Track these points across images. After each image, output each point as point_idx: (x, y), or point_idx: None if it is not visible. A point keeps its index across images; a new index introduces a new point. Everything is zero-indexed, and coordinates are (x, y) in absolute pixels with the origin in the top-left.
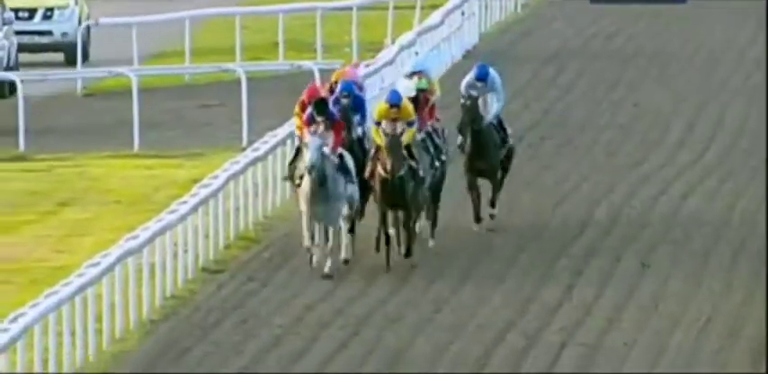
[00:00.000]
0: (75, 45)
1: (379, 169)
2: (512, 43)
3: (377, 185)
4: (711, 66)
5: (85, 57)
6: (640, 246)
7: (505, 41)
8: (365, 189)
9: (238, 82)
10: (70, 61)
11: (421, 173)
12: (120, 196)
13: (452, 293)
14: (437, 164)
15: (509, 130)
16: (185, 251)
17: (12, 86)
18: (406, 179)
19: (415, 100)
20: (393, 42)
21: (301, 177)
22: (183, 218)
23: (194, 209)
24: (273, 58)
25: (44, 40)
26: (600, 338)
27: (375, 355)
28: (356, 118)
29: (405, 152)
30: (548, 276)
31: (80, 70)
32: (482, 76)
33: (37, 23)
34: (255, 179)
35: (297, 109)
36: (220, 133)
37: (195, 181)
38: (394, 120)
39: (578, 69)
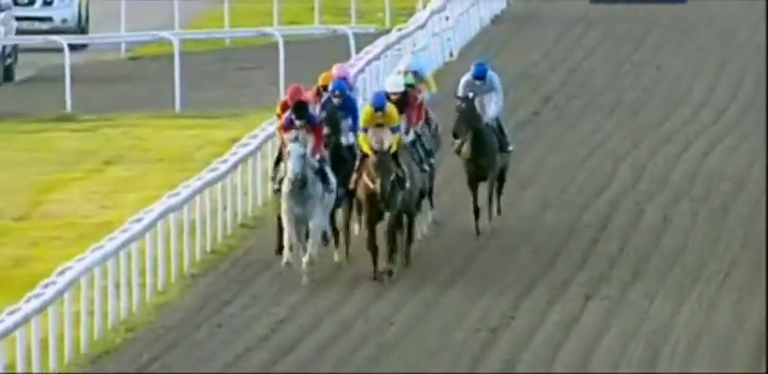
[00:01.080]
0: (74, 31)
1: (366, 180)
2: (538, 8)
3: (362, 197)
4: (730, 31)
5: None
6: (663, 201)
7: (532, 6)
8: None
9: (276, 45)
10: (70, 47)
11: (407, 184)
12: (163, 155)
13: (481, 249)
14: (425, 167)
15: (509, 138)
16: (225, 207)
17: (7, 72)
18: (393, 190)
19: (403, 97)
20: (424, 7)
21: (281, 182)
22: (222, 176)
23: (233, 167)
24: (309, 23)
25: (44, 26)
26: (623, 291)
27: (408, 305)
28: (347, 122)
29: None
30: (573, 231)
31: (124, 34)
32: (480, 75)
33: (37, 10)
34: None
35: (278, 109)
36: (259, 95)
37: (234, 140)
38: (379, 126)
39: (602, 33)
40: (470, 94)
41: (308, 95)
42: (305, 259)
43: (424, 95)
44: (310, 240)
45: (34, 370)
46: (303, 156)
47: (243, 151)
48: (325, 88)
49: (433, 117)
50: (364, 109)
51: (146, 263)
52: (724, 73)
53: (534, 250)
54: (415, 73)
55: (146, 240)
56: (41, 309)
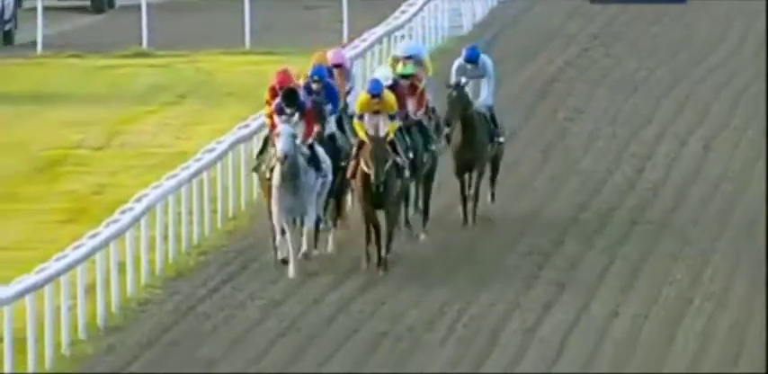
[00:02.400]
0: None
1: (362, 165)
2: None
3: (359, 183)
4: None
5: (111, 4)
6: (705, 132)
7: None
8: (340, 188)
9: None
10: (97, 8)
11: (407, 172)
12: (233, 89)
13: (531, 177)
14: (425, 154)
15: (501, 129)
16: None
17: (7, 37)
18: (390, 176)
19: (393, 87)
20: None
21: (272, 170)
22: None
23: None
24: None
25: None
26: (667, 217)
27: (463, 234)
28: (327, 107)
29: (388, 148)
30: (619, 160)
31: None
32: (472, 58)
33: None
34: (356, 73)
35: (267, 96)
36: (324, 33)
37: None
38: (376, 113)
39: None
40: (462, 80)
41: (298, 80)
42: (299, 254)
43: (424, 83)
44: (304, 236)
45: (113, 292)
46: (293, 136)
47: None
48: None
49: (431, 101)
50: (361, 95)
51: (217, 191)
52: (756, 23)
53: (584, 178)
54: (411, 57)
55: (217, 169)
56: (119, 234)
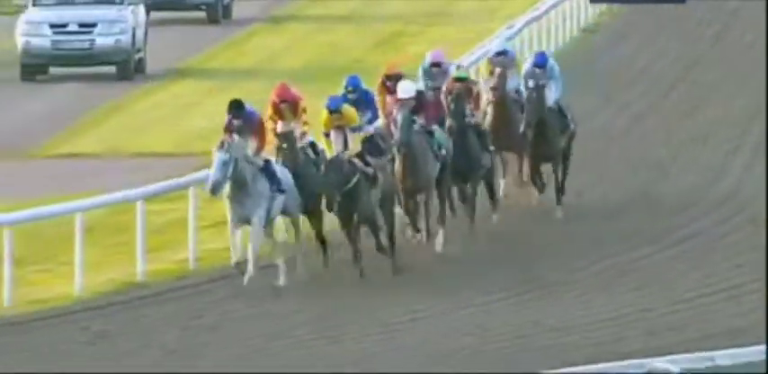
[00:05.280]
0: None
1: None
2: None
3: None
4: None
5: (227, 14)
6: None
7: None
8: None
9: None
10: (212, 20)
11: (380, 178)
12: None
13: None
14: (483, 155)
15: (569, 116)
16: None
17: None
18: (360, 189)
19: (419, 97)
20: None
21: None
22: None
23: None
24: None
25: None
26: None
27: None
28: (365, 116)
29: (356, 161)
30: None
31: None
32: (541, 64)
33: None
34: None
35: (269, 110)
36: None
37: None
38: (339, 128)
39: None
40: (541, 82)
41: (297, 94)
42: (250, 257)
43: (479, 86)
44: (251, 236)
45: None
46: (225, 164)
47: None
48: (389, 78)
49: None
50: (321, 113)
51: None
52: None
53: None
54: (506, 53)
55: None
56: None
